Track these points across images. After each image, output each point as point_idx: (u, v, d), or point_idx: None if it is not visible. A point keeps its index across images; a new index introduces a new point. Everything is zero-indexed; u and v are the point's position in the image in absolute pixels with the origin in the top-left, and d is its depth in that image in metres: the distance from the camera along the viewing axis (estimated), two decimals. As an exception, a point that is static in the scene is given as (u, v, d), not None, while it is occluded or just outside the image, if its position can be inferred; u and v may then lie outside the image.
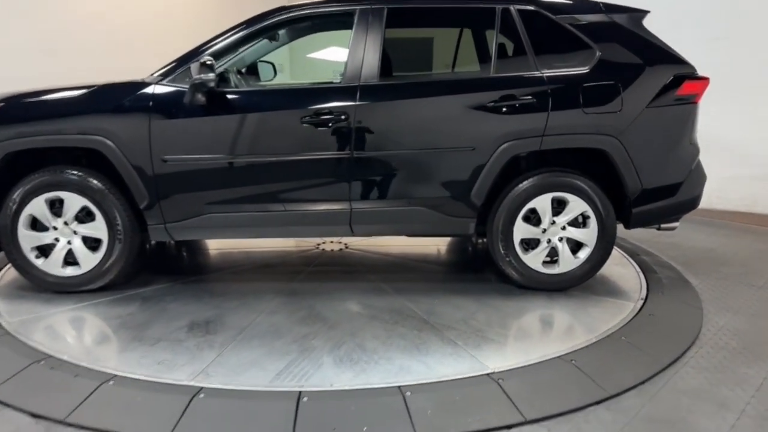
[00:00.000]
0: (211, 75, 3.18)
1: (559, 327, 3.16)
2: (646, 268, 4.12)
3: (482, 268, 4.15)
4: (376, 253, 4.43)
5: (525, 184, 3.48)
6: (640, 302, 3.49)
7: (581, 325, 3.17)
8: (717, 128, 5.57)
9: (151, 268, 4.14)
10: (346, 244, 4.63)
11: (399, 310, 3.31)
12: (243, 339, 2.93)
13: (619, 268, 4.13)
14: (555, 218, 3.52)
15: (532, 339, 2.98)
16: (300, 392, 2.42)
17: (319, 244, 4.63)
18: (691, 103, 3.50)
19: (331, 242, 4.74)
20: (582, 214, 3.53)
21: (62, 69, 5.73)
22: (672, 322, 3.25)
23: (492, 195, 3.54)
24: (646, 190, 3.51)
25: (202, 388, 2.46)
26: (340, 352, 2.79)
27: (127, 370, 2.59)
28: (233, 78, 3.84)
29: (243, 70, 4.23)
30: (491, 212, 3.58)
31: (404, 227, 3.59)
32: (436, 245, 4.74)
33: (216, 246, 4.70)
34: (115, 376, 2.55)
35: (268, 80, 4.44)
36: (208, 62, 3.17)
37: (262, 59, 4.51)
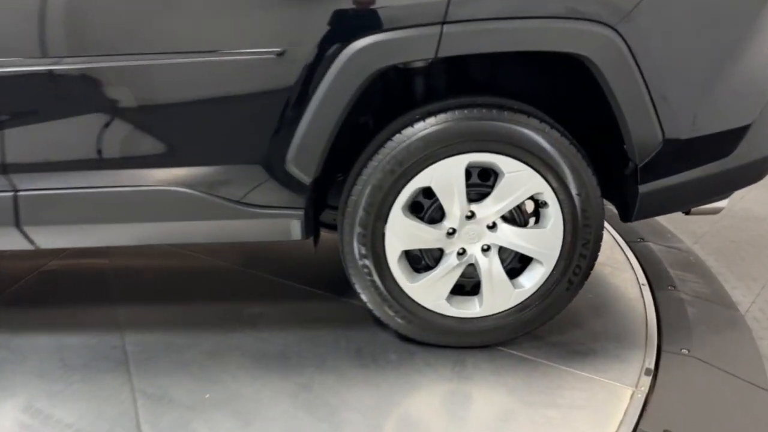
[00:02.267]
0: None
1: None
2: (654, 277, 2.24)
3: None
4: (178, 247, 2.40)
5: (409, 136, 1.56)
6: (647, 381, 1.68)
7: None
8: None
9: None
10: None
11: None
12: None
13: (606, 272, 2.26)
14: (474, 207, 1.64)
15: None
16: None
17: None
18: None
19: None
20: (533, 199, 1.65)
21: None
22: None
23: (340, 158, 1.63)
24: (672, 141, 1.61)
25: None
26: None
27: None
28: None
29: None
30: (342, 195, 1.68)
31: (146, 232, 1.69)
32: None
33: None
34: None
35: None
36: None
37: None
